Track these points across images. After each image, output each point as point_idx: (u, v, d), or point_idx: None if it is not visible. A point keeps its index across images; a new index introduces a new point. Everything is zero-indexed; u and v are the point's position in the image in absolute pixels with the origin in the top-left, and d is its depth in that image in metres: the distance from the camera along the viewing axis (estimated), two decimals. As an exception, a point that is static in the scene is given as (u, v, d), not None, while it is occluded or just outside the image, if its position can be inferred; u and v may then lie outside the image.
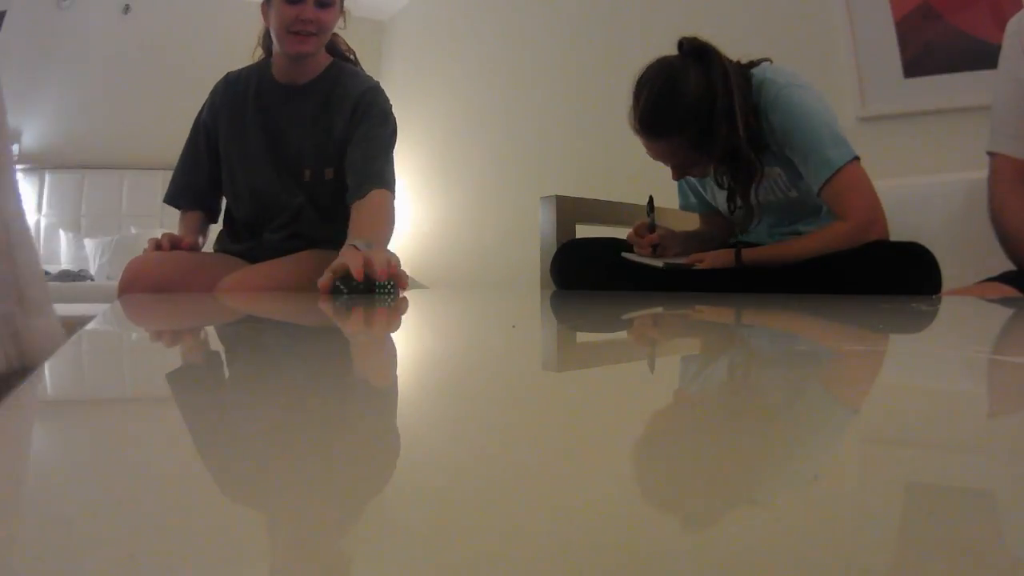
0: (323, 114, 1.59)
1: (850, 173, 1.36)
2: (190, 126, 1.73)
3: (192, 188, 1.69)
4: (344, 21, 1.63)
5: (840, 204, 1.37)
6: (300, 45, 1.52)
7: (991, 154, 1.37)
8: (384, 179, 1.49)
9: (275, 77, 1.63)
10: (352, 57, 1.74)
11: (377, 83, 1.65)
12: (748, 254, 1.46)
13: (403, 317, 0.94)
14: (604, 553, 0.15)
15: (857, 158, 1.37)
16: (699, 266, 1.49)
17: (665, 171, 1.88)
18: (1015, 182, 1.33)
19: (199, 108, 1.72)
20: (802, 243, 1.42)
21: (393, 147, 1.59)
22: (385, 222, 1.45)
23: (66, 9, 4.10)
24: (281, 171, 1.61)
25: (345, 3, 1.60)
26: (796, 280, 1.42)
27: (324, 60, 1.63)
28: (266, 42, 1.69)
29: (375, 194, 1.46)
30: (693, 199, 1.75)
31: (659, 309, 1.11)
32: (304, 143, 1.60)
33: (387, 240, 1.43)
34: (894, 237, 1.39)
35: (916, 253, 1.32)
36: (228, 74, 1.70)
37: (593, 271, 1.62)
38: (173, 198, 1.71)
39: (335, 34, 1.65)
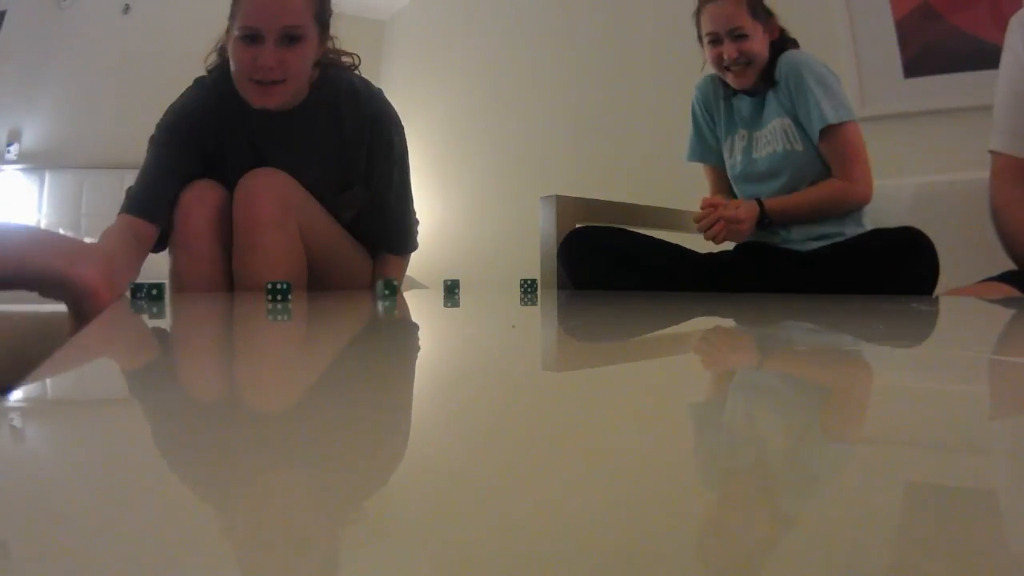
0: (326, 141, 1.39)
1: (848, 133, 1.50)
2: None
3: (165, 199, 1.36)
4: (333, 43, 1.40)
5: (837, 161, 1.51)
6: (264, 99, 1.24)
7: (993, 153, 1.36)
8: (396, 246, 1.57)
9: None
10: (353, 65, 1.49)
11: (380, 92, 1.46)
12: (771, 203, 1.55)
13: (403, 317, 0.94)
14: (603, 553, 0.15)
15: (856, 122, 1.52)
16: (731, 212, 1.50)
17: (665, 172, 1.87)
18: (1016, 180, 1.33)
19: None
20: (806, 193, 1.54)
21: (407, 168, 1.53)
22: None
23: (66, 9, 4.09)
24: None
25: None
26: (793, 277, 1.43)
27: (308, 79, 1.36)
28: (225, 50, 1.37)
29: (389, 259, 1.58)
30: (710, 149, 1.78)
31: (661, 307, 1.11)
32: (304, 175, 1.37)
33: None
34: None
35: (911, 238, 1.35)
36: (202, 79, 1.40)
37: (602, 259, 1.63)
38: (144, 209, 1.32)
39: (330, 45, 1.40)
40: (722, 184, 1.78)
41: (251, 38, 1.20)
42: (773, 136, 1.59)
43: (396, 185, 1.49)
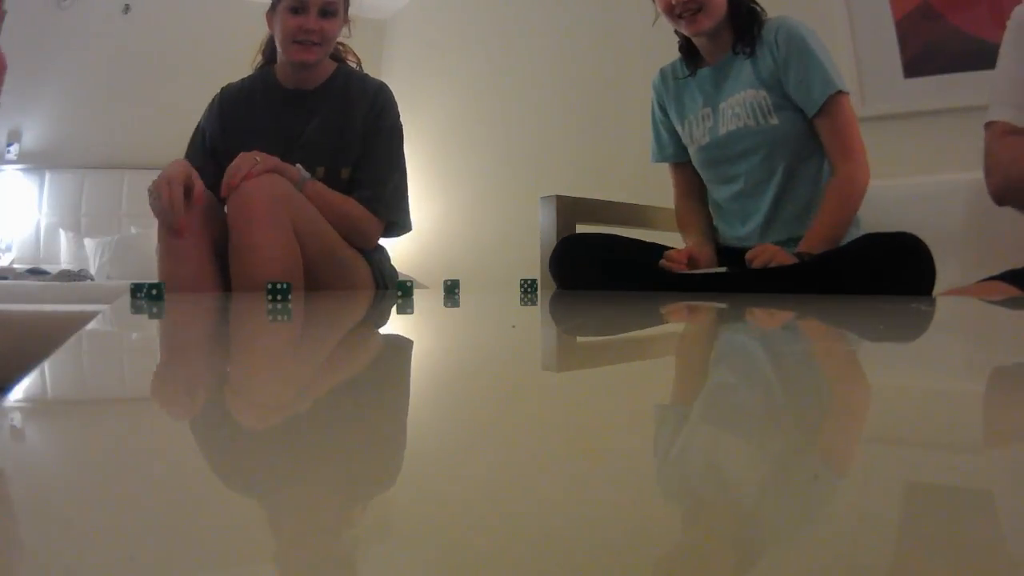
0: (337, 116, 1.62)
1: (848, 106, 1.46)
2: (190, 126, 1.71)
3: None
4: (349, 30, 1.65)
5: (839, 138, 1.45)
6: (304, 54, 1.55)
7: (987, 125, 1.34)
8: (375, 204, 1.60)
9: (281, 83, 1.64)
10: (357, 63, 1.77)
11: (384, 83, 1.71)
12: (805, 246, 1.44)
13: (404, 317, 0.94)
14: (603, 552, 0.15)
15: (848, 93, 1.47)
16: (759, 262, 1.43)
17: (665, 172, 1.87)
18: (1007, 135, 1.31)
19: (199, 108, 1.71)
20: (826, 211, 1.44)
21: (400, 148, 1.67)
22: (342, 212, 1.55)
23: (66, 9, 4.09)
24: None
25: (349, 12, 1.63)
26: (785, 282, 1.42)
27: (329, 67, 1.66)
28: (268, 49, 1.71)
29: (366, 214, 1.59)
30: (668, 146, 1.74)
31: (659, 307, 1.11)
32: (316, 143, 1.59)
33: (328, 212, 1.52)
34: None
35: (908, 244, 1.32)
36: (228, 84, 1.70)
37: (594, 268, 1.60)
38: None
39: (339, 43, 1.69)
40: (689, 186, 1.72)
41: (298, 9, 1.52)
42: (742, 108, 1.52)
43: (383, 150, 1.65)
